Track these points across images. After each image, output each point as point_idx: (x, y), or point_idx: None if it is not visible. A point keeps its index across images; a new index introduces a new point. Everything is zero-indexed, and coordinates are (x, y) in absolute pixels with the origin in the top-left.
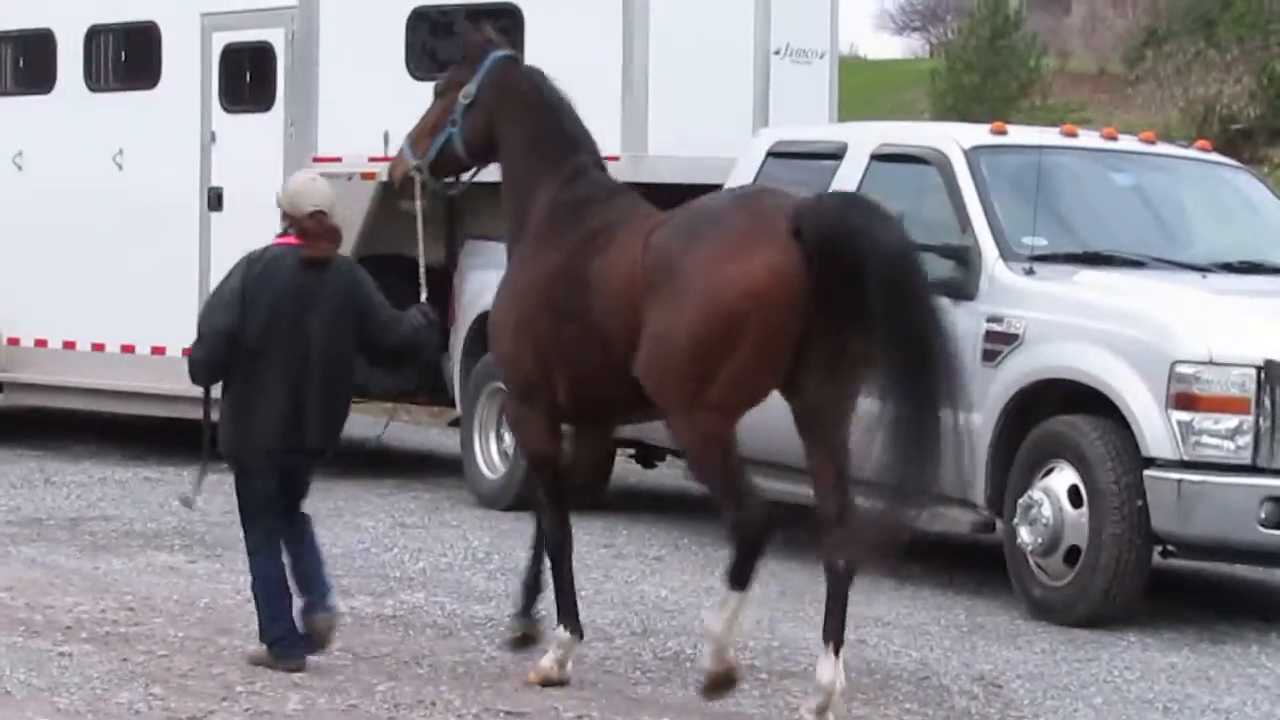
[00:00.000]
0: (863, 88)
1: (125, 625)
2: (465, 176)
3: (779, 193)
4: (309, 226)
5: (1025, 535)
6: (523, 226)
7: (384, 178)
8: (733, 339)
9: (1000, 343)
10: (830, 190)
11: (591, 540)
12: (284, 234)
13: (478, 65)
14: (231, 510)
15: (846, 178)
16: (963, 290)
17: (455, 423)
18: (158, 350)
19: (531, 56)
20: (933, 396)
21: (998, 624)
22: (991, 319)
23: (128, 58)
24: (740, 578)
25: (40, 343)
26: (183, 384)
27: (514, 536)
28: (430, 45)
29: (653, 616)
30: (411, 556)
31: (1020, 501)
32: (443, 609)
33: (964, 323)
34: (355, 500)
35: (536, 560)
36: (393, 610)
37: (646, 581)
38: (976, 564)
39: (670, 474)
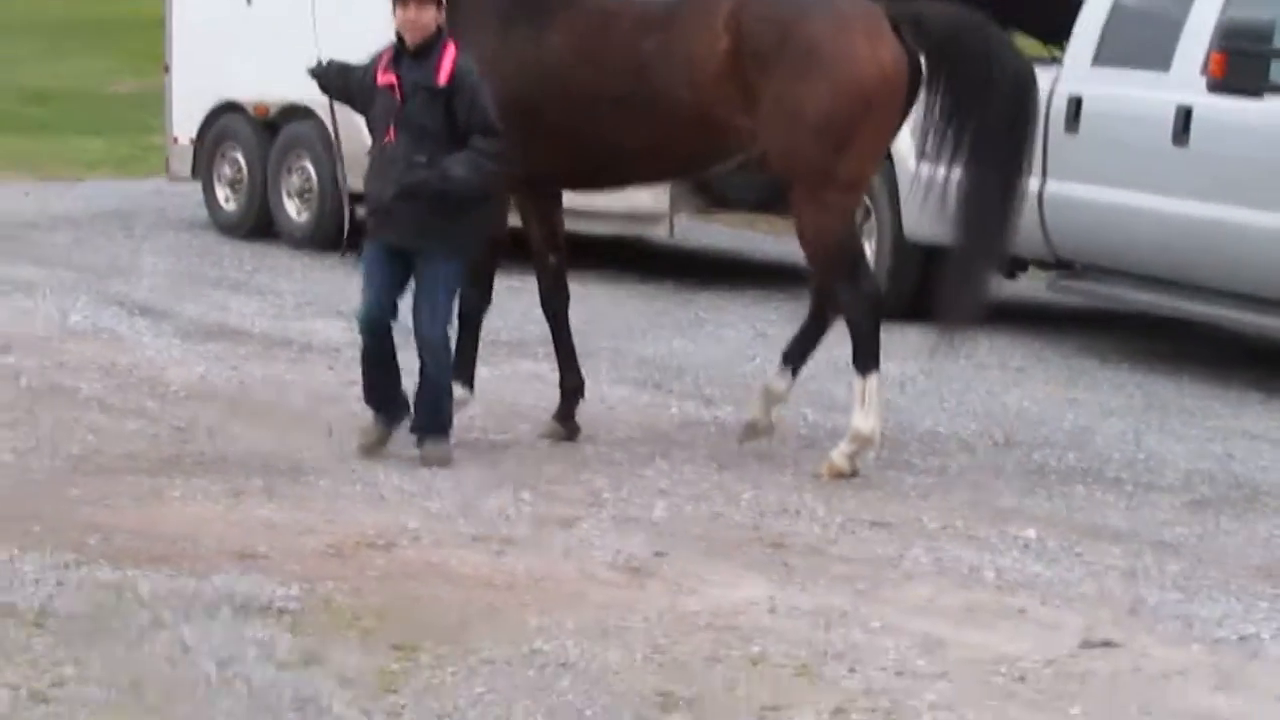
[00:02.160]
0: None
1: (494, 433)
2: None
3: None
4: None
5: None
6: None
7: None
8: (865, 114)
9: None
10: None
11: (952, 351)
12: None
13: None
14: (592, 319)
15: None
16: None
17: None
18: None
19: None
20: (1024, 170)
21: None
22: None
23: None
24: (867, 362)
25: None
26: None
27: None
28: None
29: (1015, 427)
30: (773, 367)
31: None
32: (805, 419)
33: None
34: (717, 310)
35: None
36: None
37: (1009, 393)
38: None
39: (1033, 286)
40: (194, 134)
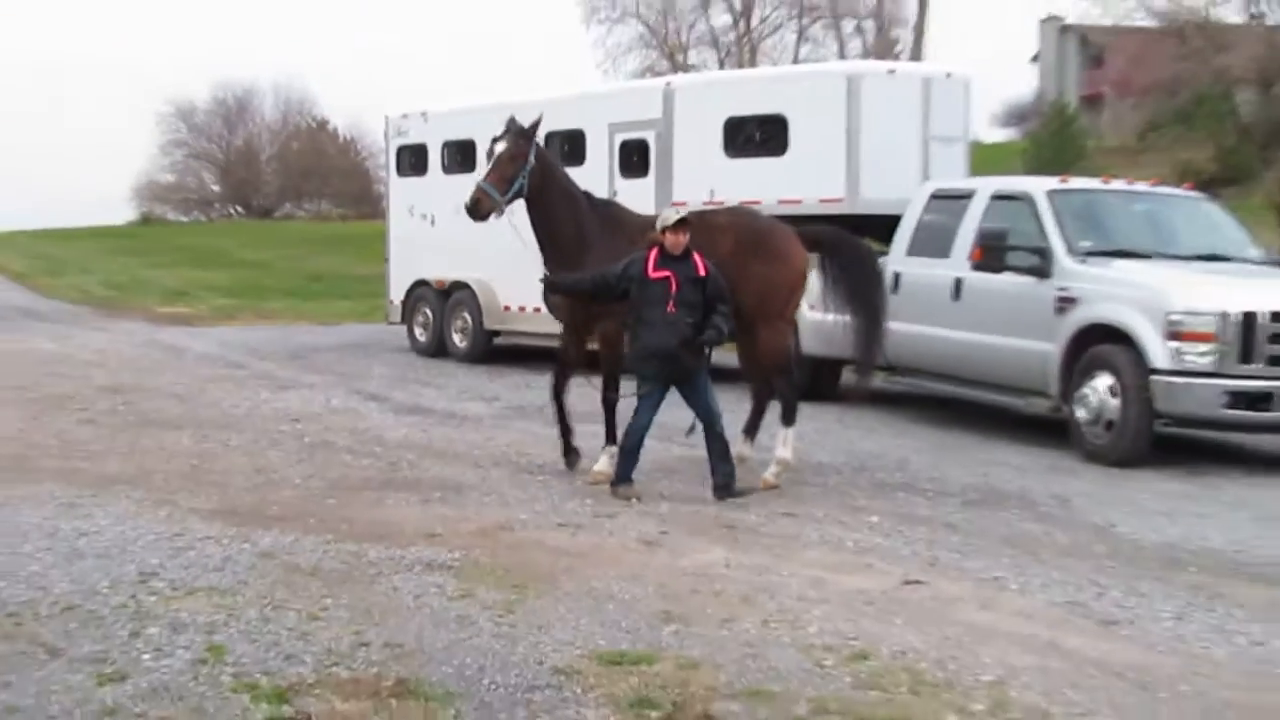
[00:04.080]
0: (981, 162)
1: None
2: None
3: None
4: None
5: (1082, 414)
6: (579, 236)
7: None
8: (799, 283)
9: (1066, 303)
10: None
11: (831, 417)
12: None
13: (532, 142)
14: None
15: (976, 210)
16: (1043, 273)
17: None
18: None
19: (795, 142)
20: (882, 313)
21: (1067, 464)
22: (1060, 289)
23: (569, 148)
24: (791, 418)
25: (523, 308)
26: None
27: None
28: (738, 138)
29: (866, 459)
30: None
31: (1079, 394)
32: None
33: (1043, 292)
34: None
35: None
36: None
37: (864, 441)
38: (1053, 431)
39: (879, 381)
40: (402, 298)
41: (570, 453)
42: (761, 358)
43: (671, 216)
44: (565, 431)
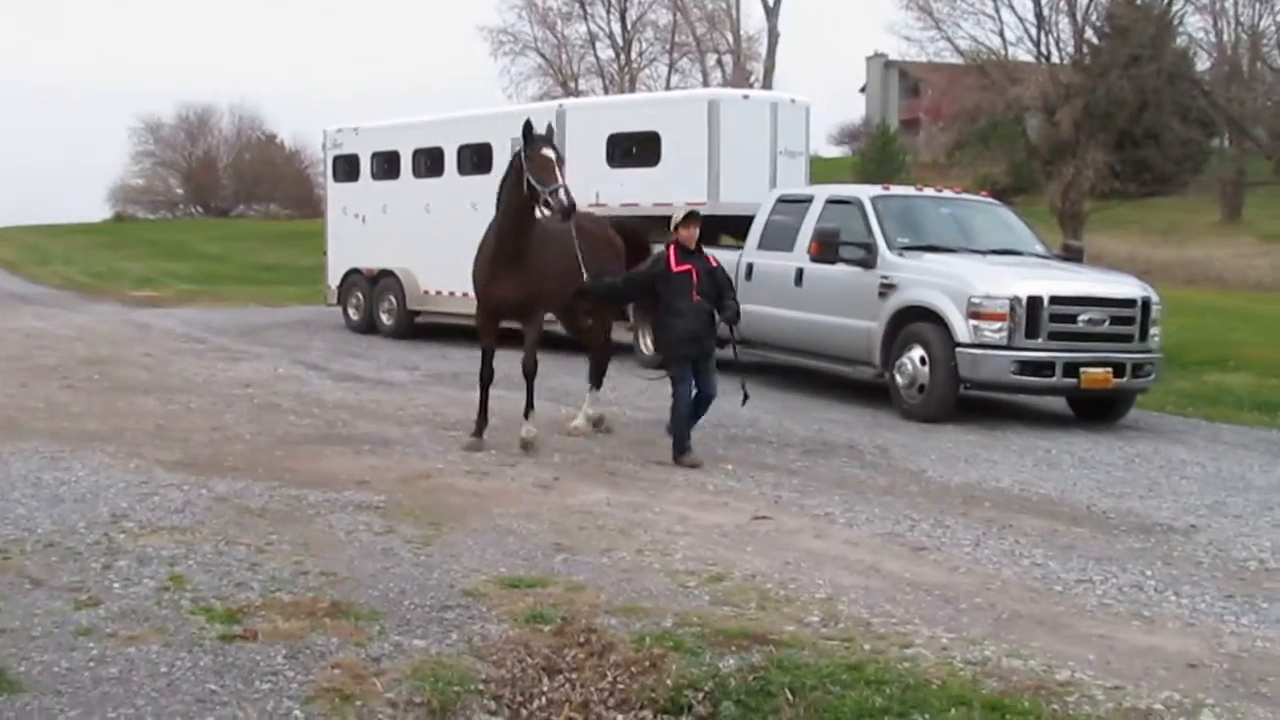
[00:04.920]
0: (819, 173)
1: (501, 425)
2: None
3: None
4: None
5: (899, 379)
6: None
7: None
8: (620, 258)
9: (887, 289)
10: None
11: None
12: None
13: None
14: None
15: (814, 212)
16: (869, 264)
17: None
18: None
19: (666, 155)
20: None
21: (887, 420)
22: (883, 277)
23: (477, 160)
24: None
25: (439, 292)
26: None
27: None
28: (618, 151)
29: (725, 418)
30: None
31: (897, 363)
32: (623, 415)
33: (869, 279)
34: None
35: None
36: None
37: (722, 403)
38: (876, 393)
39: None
40: (338, 283)
41: (480, 432)
42: (610, 315)
43: (680, 213)
44: (483, 409)
